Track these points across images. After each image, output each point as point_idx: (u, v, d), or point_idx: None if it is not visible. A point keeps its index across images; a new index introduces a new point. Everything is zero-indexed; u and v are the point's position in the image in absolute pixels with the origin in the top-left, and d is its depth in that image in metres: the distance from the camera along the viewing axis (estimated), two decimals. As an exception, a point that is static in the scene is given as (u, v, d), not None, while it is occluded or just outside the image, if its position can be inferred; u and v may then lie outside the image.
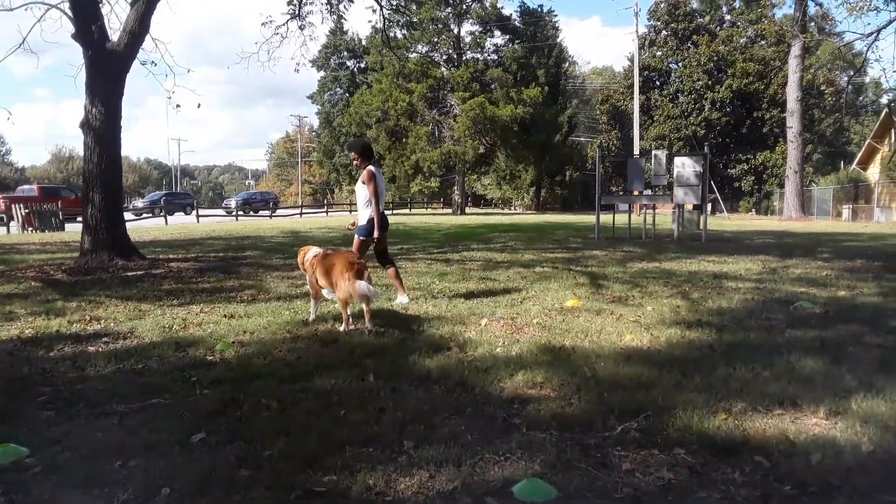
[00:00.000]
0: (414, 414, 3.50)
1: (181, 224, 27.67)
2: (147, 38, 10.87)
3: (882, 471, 2.80)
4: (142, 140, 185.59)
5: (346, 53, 50.43)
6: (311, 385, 4.03)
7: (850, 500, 2.57)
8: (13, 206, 24.25)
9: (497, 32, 47.44)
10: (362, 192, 6.82)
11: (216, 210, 46.64)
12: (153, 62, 12.53)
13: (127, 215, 13.73)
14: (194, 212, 35.31)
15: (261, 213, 44.35)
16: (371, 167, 6.74)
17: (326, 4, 15.16)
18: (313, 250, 6.19)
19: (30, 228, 22.80)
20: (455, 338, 5.24)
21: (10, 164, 76.34)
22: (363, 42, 48.43)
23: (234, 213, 39.08)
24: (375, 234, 6.78)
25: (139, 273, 9.23)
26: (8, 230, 22.73)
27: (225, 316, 6.23)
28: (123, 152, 10.97)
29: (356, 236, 6.88)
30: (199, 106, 15.50)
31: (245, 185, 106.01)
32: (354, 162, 6.98)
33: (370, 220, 6.77)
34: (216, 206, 57.05)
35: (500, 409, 3.61)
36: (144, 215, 35.94)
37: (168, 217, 31.20)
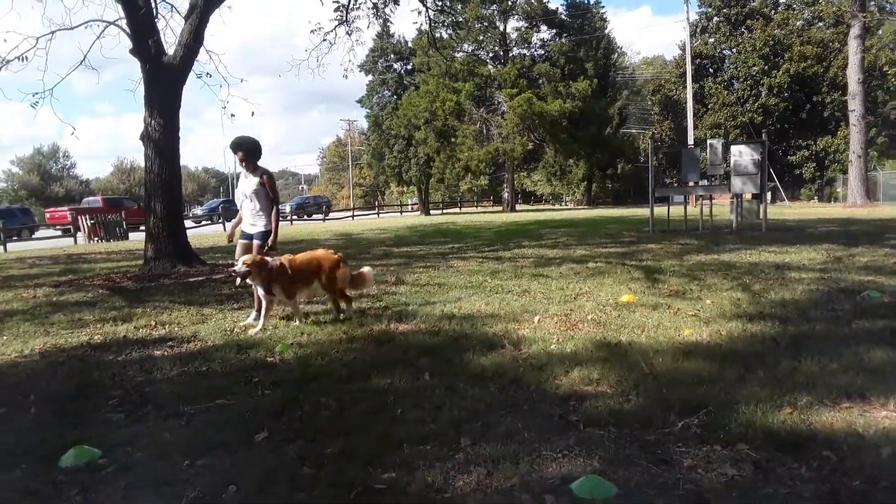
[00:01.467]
0: (470, 412, 3.52)
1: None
2: (201, 50, 11.20)
3: (961, 466, 2.67)
4: (199, 149, 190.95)
5: (392, 56, 50.65)
6: (368, 385, 4.09)
7: (926, 496, 2.47)
8: (79, 217, 25.33)
9: (543, 27, 47.05)
10: (258, 195, 6.37)
11: (271, 215, 47.53)
12: (208, 73, 12.94)
13: (187, 223, 14.15)
14: (250, 218, 36.04)
15: (314, 216, 45.13)
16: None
17: (372, 8, 15.32)
18: (275, 260, 5.99)
19: (95, 238, 23.78)
20: (509, 335, 5.24)
21: (76, 177, 79.50)
22: (409, 44, 48.65)
23: (288, 217, 39.86)
24: (272, 240, 6.36)
25: (200, 279, 9.51)
26: (75, 241, 23.71)
27: (283, 318, 6.37)
28: (182, 162, 11.33)
29: (255, 241, 6.41)
30: (252, 114, 15.94)
31: (298, 190, 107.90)
32: (241, 163, 6.46)
33: (267, 226, 6.40)
34: (271, 211, 58.17)
35: (556, 406, 3.59)
36: (204, 222, 37.04)
37: (226, 224, 32.03)
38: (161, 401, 3.98)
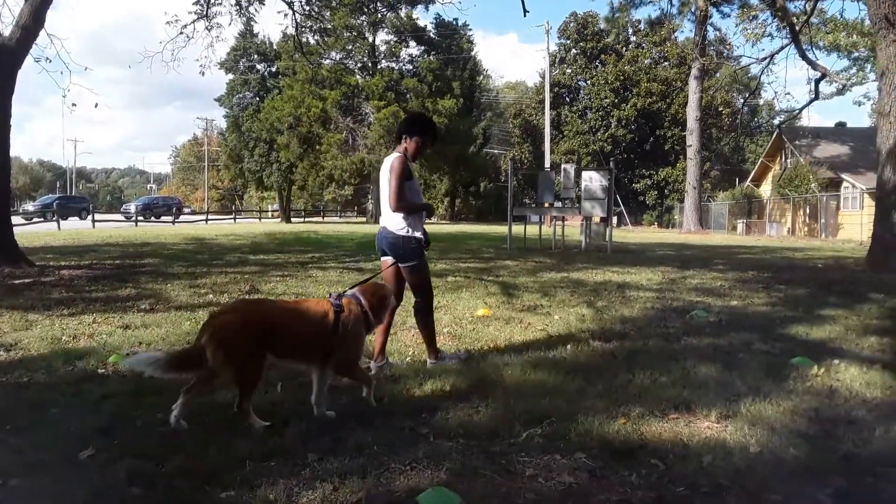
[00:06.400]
0: (320, 426, 3.43)
1: (75, 229, 26.15)
2: (42, 33, 10.30)
3: (768, 471, 2.96)
4: (36, 140, 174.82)
5: (256, 56, 49.03)
6: (213, 398, 3.86)
7: (738, 499, 2.70)
8: None
9: (412, 43, 47.68)
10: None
11: (114, 215, 44.44)
12: (48, 59, 11.92)
13: (15, 219, 12.84)
14: (90, 216, 33.53)
15: (163, 218, 42.60)
16: None
17: (236, 5, 14.81)
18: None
19: None
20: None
21: None
22: (274, 46, 47.39)
23: (133, 218, 37.34)
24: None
25: (27, 281, 8.64)
26: None
27: (120, 326, 5.92)
28: (14, 153, 10.35)
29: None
30: (96, 105, 15.08)
31: (147, 190, 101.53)
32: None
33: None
34: (114, 210, 54.42)
35: (408, 418, 3.58)
36: (35, 220, 33.89)
37: (61, 222, 29.40)
38: (-31, 416, 3.54)
